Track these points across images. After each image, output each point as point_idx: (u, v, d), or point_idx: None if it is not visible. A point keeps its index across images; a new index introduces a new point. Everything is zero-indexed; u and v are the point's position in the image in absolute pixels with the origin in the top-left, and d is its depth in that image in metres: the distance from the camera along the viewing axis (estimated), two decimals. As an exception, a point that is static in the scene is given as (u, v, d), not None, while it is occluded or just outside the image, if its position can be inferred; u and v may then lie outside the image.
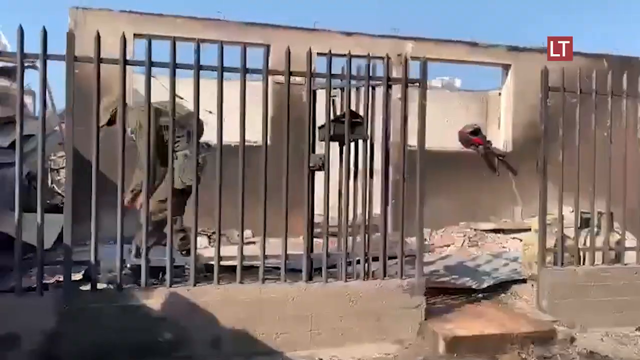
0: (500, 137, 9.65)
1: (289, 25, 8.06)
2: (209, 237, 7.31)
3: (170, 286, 4.02)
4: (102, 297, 3.91)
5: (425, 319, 4.45)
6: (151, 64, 3.94)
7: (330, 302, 4.28)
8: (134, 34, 7.11)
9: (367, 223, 4.52)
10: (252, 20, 8.03)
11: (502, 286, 5.73)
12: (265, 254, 4.22)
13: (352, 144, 4.53)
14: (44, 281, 4.22)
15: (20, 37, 3.70)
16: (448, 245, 8.25)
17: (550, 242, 5.05)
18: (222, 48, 4.06)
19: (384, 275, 4.52)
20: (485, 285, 5.62)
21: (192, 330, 3.96)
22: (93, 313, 3.82)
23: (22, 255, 3.77)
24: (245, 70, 4.12)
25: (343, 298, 4.30)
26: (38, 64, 3.85)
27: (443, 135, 9.98)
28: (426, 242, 8.61)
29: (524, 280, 5.66)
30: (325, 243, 4.41)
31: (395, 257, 4.55)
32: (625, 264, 5.28)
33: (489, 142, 9.29)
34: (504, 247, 8.06)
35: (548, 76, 5.00)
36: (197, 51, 4.02)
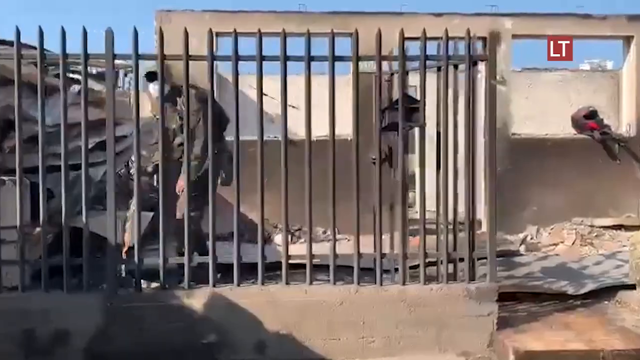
0: (623, 120, 8.47)
1: (374, 11, 7.65)
2: (292, 233, 7.16)
3: (214, 286, 3.88)
4: (145, 296, 3.86)
5: (500, 329, 3.92)
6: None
7: (385, 307, 3.89)
8: (216, 32, 7.13)
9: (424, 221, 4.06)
10: (335, 9, 7.75)
11: (608, 292, 4.92)
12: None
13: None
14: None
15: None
16: (556, 244, 7.38)
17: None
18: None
19: (454, 279, 4.07)
20: (584, 290, 4.85)
21: (235, 333, 3.80)
22: (136, 312, 3.78)
23: (70, 253, 3.83)
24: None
25: (400, 303, 3.90)
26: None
27: (564, 121, 8.94)
28: (532, 241, 7.83)
29: (633, 286, 4.81)
30: (380, 243, 4.04)
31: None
32: None
33: (606, 126, 8.19)
34: (624, 245, 7.01)
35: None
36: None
